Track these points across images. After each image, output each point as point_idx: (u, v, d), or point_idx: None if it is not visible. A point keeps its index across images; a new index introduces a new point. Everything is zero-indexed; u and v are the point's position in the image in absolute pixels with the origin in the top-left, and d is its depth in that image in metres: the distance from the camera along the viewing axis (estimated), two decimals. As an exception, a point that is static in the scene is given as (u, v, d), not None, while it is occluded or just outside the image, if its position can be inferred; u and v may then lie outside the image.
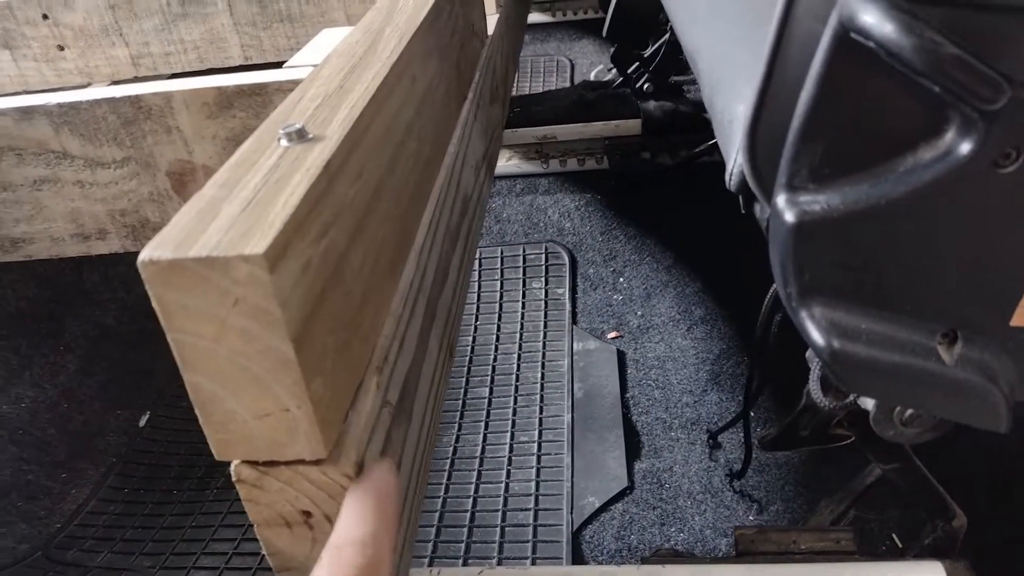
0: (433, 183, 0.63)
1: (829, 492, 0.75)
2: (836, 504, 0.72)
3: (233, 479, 0.39)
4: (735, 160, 0.53)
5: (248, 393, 0.35)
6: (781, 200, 0.43)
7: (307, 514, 0.40)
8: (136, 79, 1.12)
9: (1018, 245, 0.42)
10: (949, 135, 0.40)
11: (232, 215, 0.32)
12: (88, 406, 1.31)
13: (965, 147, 0.39)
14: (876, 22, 0.37)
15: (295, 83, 0.63)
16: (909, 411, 0.50)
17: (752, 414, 1.08)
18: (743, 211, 0.54)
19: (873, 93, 0.40)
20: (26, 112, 0.65)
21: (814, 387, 0.62)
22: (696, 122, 1.50)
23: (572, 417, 1.20)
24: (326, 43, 0.71)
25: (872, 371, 0.43)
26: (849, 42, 0.38)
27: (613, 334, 1.37)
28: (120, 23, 1.10)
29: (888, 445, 0.65)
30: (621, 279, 1.46)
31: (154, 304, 0.31)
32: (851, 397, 0.61)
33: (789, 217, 0.42)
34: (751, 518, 0.94)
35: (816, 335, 0.44)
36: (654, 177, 1.53)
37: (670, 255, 1.47)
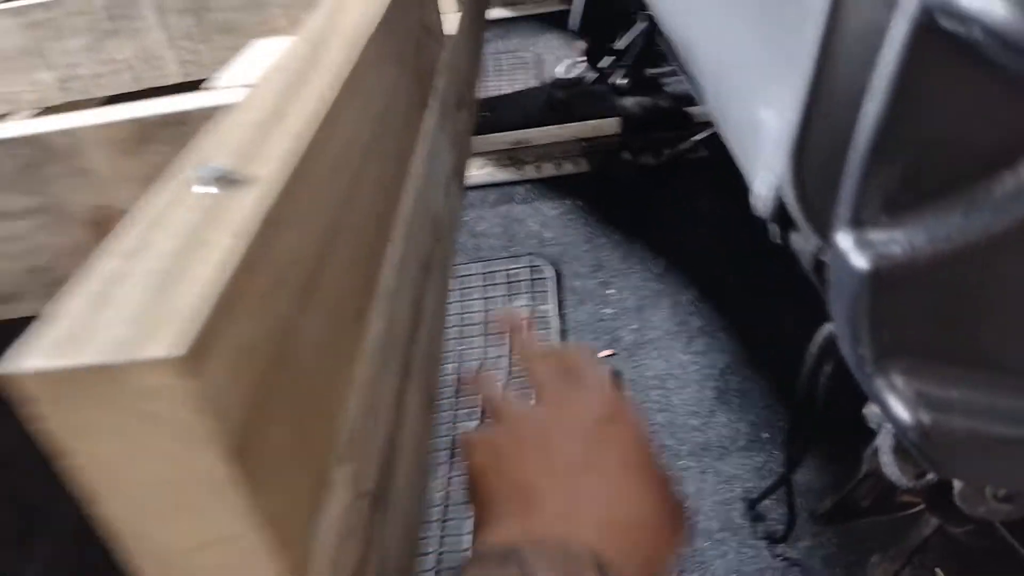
0: (397, 211, 0.55)
1: (881, 546, 0.66)
2: (889, 563, 0.63)
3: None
4: (765, 180, 0.43)
5: (182, 523, 0.26)
6: (847, 240, 0.33)
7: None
8: (68, 105, 1.04)
9: None
10: (1069, 147, 0.30)
11: (134, 299, 0.24)
12: None
13: (1096, 164, 0.29)
14: (983, 3, 0.27)
15: (224, 108, 0.53)
16: (1010, 488, 0.42)
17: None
18: (778, 241, 0.44)
19: (968, 97, 0.31)
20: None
21: (887, 460, 0.52)
22: (678, 117, 1.41)
23: (569, 449, 1.10)
24: (260, 56, 0.62)
25: (973, 449, 0.34)
26: (936, 32, 0.29)
27: (606, 352, 1.28)
28: (41, 44, 1.01)
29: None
30: (611, 291, 1.37)
31: (41, 429, 0.23)
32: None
33: (861, 263, 0.33)
34: (777, 560, 0.84)
35: (900, 409, 0.34)
36: (637, 178, 1.44)
37: (661, 261, 1.38)
